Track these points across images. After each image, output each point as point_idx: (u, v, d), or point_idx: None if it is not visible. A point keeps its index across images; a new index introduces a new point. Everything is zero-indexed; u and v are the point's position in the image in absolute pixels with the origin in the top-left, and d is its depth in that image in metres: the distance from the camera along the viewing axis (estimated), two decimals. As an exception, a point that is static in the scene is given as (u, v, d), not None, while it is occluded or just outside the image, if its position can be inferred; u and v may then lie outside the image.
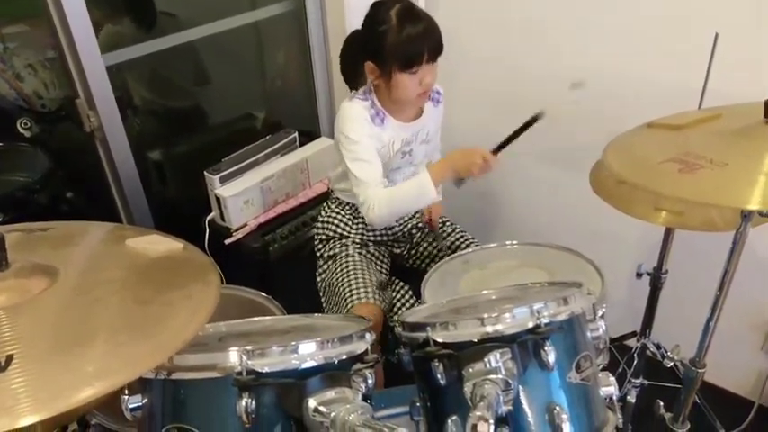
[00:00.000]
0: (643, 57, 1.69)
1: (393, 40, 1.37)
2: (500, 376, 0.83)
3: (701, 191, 0.89)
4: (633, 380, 1.70)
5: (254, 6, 2.07)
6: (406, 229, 1.69)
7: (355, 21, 1.50)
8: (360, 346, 0.88)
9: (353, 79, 1.53)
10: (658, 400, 1.40)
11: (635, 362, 1.69)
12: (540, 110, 1.37)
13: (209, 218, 1.90)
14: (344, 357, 0.85)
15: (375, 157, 1.47)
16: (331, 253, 1.64)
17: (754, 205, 0.86)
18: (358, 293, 1.48)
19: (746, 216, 1.02)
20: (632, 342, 1.74)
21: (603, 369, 1.31)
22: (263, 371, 0.77)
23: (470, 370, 0.86)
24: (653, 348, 1.64)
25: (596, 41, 1.76)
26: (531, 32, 1.89)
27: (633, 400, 1.70)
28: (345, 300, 1.48)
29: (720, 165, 0.91)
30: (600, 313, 1.28)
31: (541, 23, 1.85)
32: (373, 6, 1.42)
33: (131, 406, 0.80)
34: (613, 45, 1.73)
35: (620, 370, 1.75)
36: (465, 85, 2.10)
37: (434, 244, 1.71)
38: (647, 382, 1.71)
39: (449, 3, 2.01)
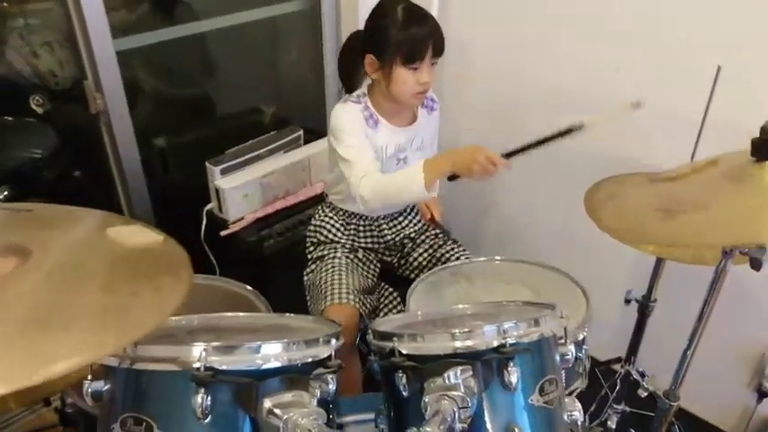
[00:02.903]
0: (651, 81, 1.68)
1: (397, 33, 1.38)
2: (458, 393, 0.83)
3: (679, 234, 0.89)
4: (614, 405, 1.69)
5: (270, 2, 2.08)
6: (397, 238, 1.69)
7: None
8: (323, 351, 0.88)
9: (350, 79, 1.55)
10: (631, 430, 1.39)
11: (617, 387, 1.68)
12: (580, 121, 1.22)
13: (207, 208, 1.92)
14: (308, 361, 0.86)
15: (367, 146, 1.45)
16: (320, 254, 1.65)
17: (729, 241, 0.85)
18: (337, 293, 1.48)
19: (727, 253, 1.01)
20: (619, 366, 1.73)
21: (584, 392, 1.32)
22: (222, 368, 0.78)
23: (431, 384, 0.87)
24: (636, 376, 1.63)
25: (608, 58, 1.75)
26: (543, 46, 1.89)
27: (613, 426, 1.70)
28: (324, 298, 1.48)
29: (702, 207, 0.91)
30: (580, 337, 1.29)
31: (555, 36, 1.85)
32: (379, 3, 1.44)
33: (91, 390, 0.81)
34: (623, 66, 1.72)
35: (602, 394, 1.74)
36: (476, 94, 2.10)
37: (425, 254, 1.71)
38: (628, 409, 1.70)
39: (462, 11, 2.01)
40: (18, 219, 0.94)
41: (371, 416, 1.07)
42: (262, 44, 2.23)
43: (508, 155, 1.30)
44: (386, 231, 1.67)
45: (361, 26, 1.52)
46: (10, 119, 1.84)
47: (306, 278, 1.67)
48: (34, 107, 1.88)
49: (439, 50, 1.41)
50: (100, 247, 0.88)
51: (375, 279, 1.66)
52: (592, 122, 1.20)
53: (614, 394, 1.69)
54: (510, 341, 0.88)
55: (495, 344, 0.88)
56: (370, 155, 1.45)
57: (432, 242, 1.72)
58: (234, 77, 2.16)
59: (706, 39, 1.53)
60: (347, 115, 1.48)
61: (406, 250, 1.73)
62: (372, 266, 1.68)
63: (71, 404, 1.25)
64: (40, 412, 1.84)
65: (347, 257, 1.62)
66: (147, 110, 1.98)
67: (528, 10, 1.88)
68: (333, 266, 1.57)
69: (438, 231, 1.75)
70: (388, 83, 1.44)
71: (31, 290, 0.72)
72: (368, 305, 1.53)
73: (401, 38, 1.38)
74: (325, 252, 1.64)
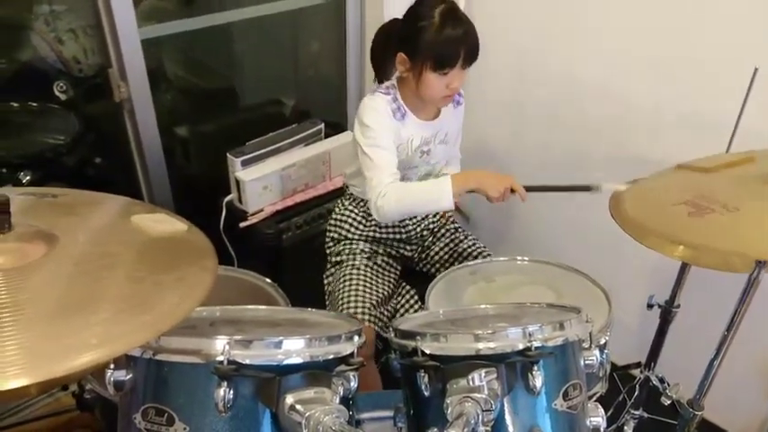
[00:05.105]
0: (677, 84, 1.65)
1: (431, 38, 1.35)
2: (482, 395, 0.81)
3: (707, 235, 0.87)
4: (632, 411, 1.67)
5: (297, -6, 2.07)
6: (418, 229, 1.68)
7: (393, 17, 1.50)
8: (346, 348, 0.87)
9: (382, 69, 1.53)
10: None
11: (636, 393, 1.66)
12: (597, 184, 1.32)
13: (227, 199, 1.92)
14: (330, 357, 0.85)
15: (392, 147, 1.44)
16: (338, 259, 1.63)
17: (763, 254, 0.83)
18: (354, 312, 1.47)
19: (761, 263, 0.98)
20: (637, 372, 1.71)
21: (602, 397, 1.30)
22: (245, 362, 0.77)
23: (454, 385, 0.85)
24: (656, 382, 1.60)
25: (628, 64, 1.73)
26: (571, 42, 1.87)
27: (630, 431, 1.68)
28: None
29: (731, 210, 0.89)
30: (602, 341, 1.27)
31: (584, 32, 1.82)
32: (418, 1, 1.41)
33: (113, 379, 0.81)
34: (646, 71, 1.70)
35: (620, 399, 1.72)
36: (493, 92, 2.08)
37: (445, 249, 1.70)
38: (646, 415, 1.68)
39: (485, 8, 2.00)
40: (43, 205, 0.94)
41: (389, 413, 1.06)
42: (285, 36, 2.22)
43: (529, 189, 1.42)
44: (407, 222, 1.65)
45: (386, 20, 1.51)
46: (34, 104, 1.85)
47: (326, 281, 1.67)
48: (58, 93, 1.89)
49: (471, 58, 1.39)
50: (125, 234, 0.88)
51: (393, 285, 1.64)
52: (608, 189, 1.28)
53: (632, 400, 1.66)
54: (535, 344, 0.87)
55: (521, 347, 0.87)
56: (393, 158, 1.44)
57: (452, 236, 1.71)
58: (257, 69, 2.16)
59: (742, 39, 1.50)
60: (375, 109, 1.45)
61: (426, 243, 1.72)
62: (393, 269, 1.66)
63: (89, 390, 1.25)
64: (57, 396, 1.85)
65: (366, 265, 1.60)
66: (170, 99, 1.98)
67: (555, 5, 1.85)
68: (351, 278, 1.55)
69: (458, 225, 1.74)
70: (416, 84, 1.42)
71: (59, 278, 0.72)
72: (384, 318, 1.52)
73: (433, 45, 1.35)
74: (344, 257, 1.62)
